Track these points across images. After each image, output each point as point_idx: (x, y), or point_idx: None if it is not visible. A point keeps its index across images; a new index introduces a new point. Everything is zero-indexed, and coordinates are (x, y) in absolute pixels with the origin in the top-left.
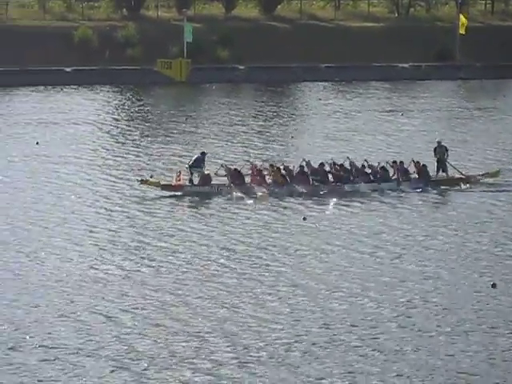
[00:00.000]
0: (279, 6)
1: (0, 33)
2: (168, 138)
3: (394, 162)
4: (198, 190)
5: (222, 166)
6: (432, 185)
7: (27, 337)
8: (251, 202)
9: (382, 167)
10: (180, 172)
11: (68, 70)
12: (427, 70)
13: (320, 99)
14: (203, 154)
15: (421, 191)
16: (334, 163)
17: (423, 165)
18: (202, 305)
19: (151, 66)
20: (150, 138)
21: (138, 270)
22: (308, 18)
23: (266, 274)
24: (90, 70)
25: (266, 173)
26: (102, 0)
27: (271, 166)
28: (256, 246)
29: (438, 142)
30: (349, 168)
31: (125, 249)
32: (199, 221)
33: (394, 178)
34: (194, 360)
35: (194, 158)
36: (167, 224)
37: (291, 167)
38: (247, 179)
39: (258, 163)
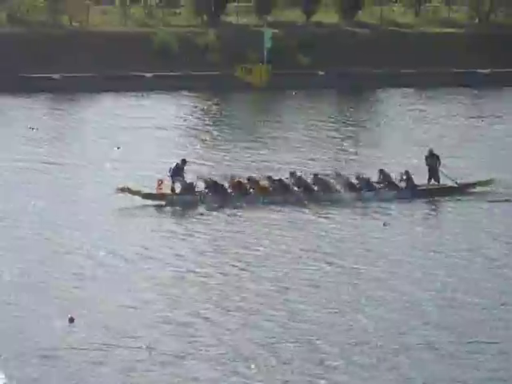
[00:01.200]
0: (360, 12)
1: (81, 39)
2: (248, 144)
3: (381, 170)
4: (181, 199)
5: (198, 177)
6: (421, 194)
7: (134, 339)
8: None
9: (366, 178)
10: (161, 181)
11: (148, 75)
12: (508, 76)
13: (400, 105)
14: (183, 161)
15: (407, 200)
16: (315, 174)
17: (407, 172)
18: (303, 308)
19: (231, 72)
20: (230, 143)
21: (237, 275)
22: (388, 24)
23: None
24: (170, 75)
25: (246, 185)
26: (183, 6)
27: (248, 179)
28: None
29: (430, 151)
30: (331, 180)
31: (224, 253)
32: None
33: (378, 187)
34: (300, 363)
35: (173, 167)
36: (254, 229)
37: (274, 178)
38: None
39: (238, 175)
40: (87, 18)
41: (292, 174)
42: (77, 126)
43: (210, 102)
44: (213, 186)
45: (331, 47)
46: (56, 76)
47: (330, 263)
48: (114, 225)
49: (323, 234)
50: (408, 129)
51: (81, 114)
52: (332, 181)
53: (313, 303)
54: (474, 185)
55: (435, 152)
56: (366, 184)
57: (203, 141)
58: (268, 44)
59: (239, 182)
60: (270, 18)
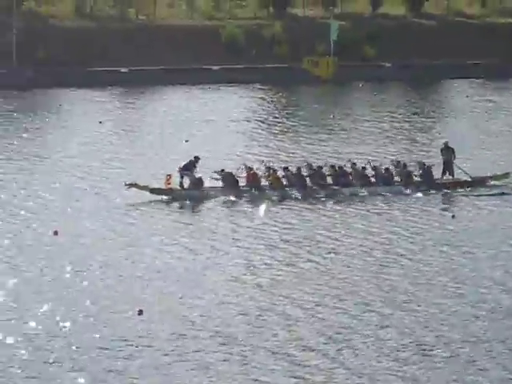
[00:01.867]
0: (426, 3)
1: (148, 32)
2: (316, 135)
3: (398, 162)
4: (189, 193)
5: (215, 171)
6: (436, 187)
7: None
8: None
9: (386, 169)
10: (170, 175)
11: (215, 68)
12: None
13: (468, 96)
14: (196, 158)
15: (423, 194)
16: (333, 166)
17: (428, 166)
18: (402, 299)
19: (298, 64)
20: (299, 135)
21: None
22: (455, 15)
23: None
24: (236, 68)
25: (261, 175)
26: None
27: (267, 168)
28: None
29: (445, 144)
30: (349, 171)
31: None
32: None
33: (395, 180)
34: (417, 358)
35: (185, 162)
36: (332, 222)
37: (290, 169)
38: (241, 182)
39: (255, 166)
40: (154, 11)
41: (309, 164)
42: (145, 119)
43: (276, 95)
44: (227, 179)
45: (397, 39)
46: (123, 69)
47: (413, 253)
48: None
49: (392, 225)
50: (477, 119)
51: (148, 107)
52: (350, 172)
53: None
54: (489, 178)
55: (450, 145)
56: (382, 178)
57: (271, 133)
58: (334, 36)
59: (254, 174)
60: (336, 10)
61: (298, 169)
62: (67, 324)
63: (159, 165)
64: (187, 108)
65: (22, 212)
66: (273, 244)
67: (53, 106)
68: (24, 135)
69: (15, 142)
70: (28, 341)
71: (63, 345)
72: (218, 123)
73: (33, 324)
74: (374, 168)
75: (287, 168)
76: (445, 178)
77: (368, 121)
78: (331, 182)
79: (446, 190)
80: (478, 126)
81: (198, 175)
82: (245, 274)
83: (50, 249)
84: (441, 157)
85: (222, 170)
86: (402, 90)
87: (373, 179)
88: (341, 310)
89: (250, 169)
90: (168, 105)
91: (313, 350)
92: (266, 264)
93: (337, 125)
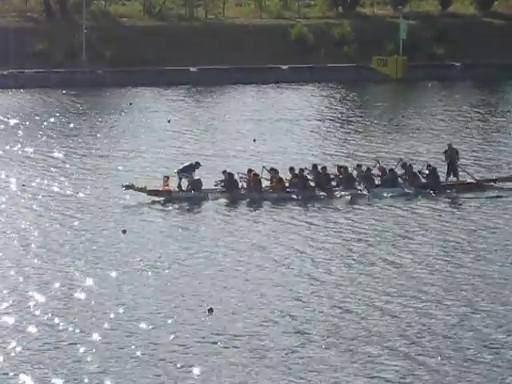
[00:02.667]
0: (496, 3)
1: (217, 31)
2: (389, 135)
3: (404, 163)
4: (187, 195)
5: (223, 172)
6: (441, 189)
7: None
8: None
9: (391, 169)
10: (168, 177)
11: (284, 67)
12: None
13: None
14: (197, 163)
15: (429, 196)
16: (340, 167)
17: (433, 168)
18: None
19: (367, 64)
20: (369, 135)
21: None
22: None
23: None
24: (305, 67)
25: (262, 178)
26: None
27: (272, 169)
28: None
29: (449, 145)
30: (352, 173)
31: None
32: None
33: (400, 182)
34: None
35: (185, 164)
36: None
37: (294, 172)
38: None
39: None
40: (223, 10)
41: (314, 166)
42: (213, 118)
43: (345, 94)
44: (227, 182)
45: (466, 38)
46: (192, 69)
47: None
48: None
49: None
50: None
51: (217, 106)
52: (354, 173)
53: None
54: (494, 180)
55: (454, 146)
56: (388, 180)
57: (341, 132)
58: (403, 35)
59: (255, 175)
60: (405, 9)
61: (301, 170)
62: (142, 322)
63: (226, 164)
64: (256, 107)
65: (93, 210)
66: (330, 242)
67: (123, 104)
68: (96, 134)
69: (87, 141)
70: (104, 337)
71: (139, 342)
72: (287, 122)
73: (109, 321)
74: (381, 169)
75: (293, 169)
76: (449, 179)
77: (440, 120)
78: (336, 183)
79: (452, 192)
80: None
81: (196, 177)
82: (319, 272)
83: (119, 247)
84: (444, 158)
85: (224, 171)
86: (471, 90)
87: (377, 181)
88: (413, 308)
89: (251, 171)
90: (237, 104)
91: (390, 349)
92: (330, 262)
93: (407, 124)
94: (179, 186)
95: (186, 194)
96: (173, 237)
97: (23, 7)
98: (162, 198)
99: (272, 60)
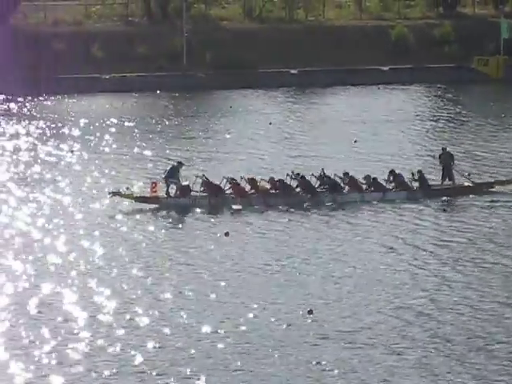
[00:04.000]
0: None
1: (317, 33)
2: (495, 134)
3: (391, 171)
4: (175, 202)
5: (197, 176)
6: (434, 194)
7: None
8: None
9: (374, 178)
10: (155, 183)
11: (385, 68)
12: None
13: None
14: (180, 163)
15: (419, 201)
16: (322, 176)
17: (422, 173)
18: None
19: (468, 64)
20: (473, 134)
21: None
22: None
23: None
24: (405, 68)
25: (245, 185)
26: None
27: (251, 179)
28: None
29: (443, 149)
30: (336, 179)
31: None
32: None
33: (388, 188)
34: None
35: (168, 169)
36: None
37: (276, 179)
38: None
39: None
40: (323, 12)
41: (298, 174)
42: (314, 119)
43: (446, 95)
44: (210, 187)
45: None
46: (293, 71)
47: None
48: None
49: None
50: None
51: (318, 107)
52: (338, 181)
53: None
54: (491, 184)
55: (449, 150)
56: (373, 184)
57: (445, 132)
58: (505, 35)
59: (237, 184)
60: (506, 9)
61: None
62: (246, 321)
63: (322, 164)
64: (357, 108)
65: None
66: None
67: (224, 107)
68: (199, 137)
69: (192, 144)
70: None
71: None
72: (388, 123)
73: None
74: (367, 178)
75: (273, 178)
76: (445, 183)
77: None
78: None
79: (446, 197)
80: None
81: (184, 183)
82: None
83: (223, 249)
84: (439, 162)
85: (203, 176)
86: None
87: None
88: None
89: (233, 179)
90: (337, 105)
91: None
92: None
93: (501, 125)
94: (167, 192)
95: (174, 200)
96: (274, 239)
97: (124, 12)
98: (151, 205)
99: (372, 61)
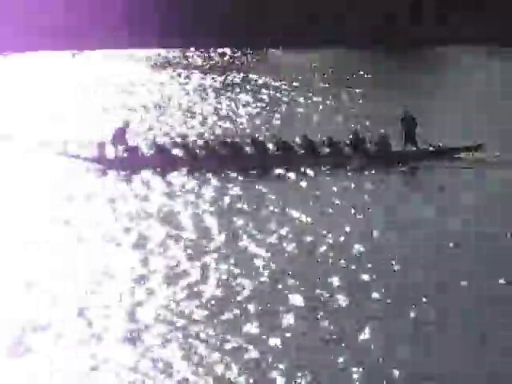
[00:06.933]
0: None
1: None
2: None
3: (354, 132)
4: (124, 161)
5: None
6: (397, 160)
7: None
8: None
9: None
10: (103, 144)
11: None
12: None
13: None
14: (126, 124)
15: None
16: (280, 141)
17: (384, 136)
18: None
19: None
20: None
21: None
22: None
23: None
24: None
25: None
26: None
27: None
28: None
29: (405, 112)
30: (293, 145)
31: None
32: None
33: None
34: None
35: (114, 129)
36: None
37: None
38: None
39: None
40: None
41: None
42: None
43: None
44: (159, 149)
45: None
46: None
47: None
48: None
49: None
50: None
51: None
52: (293, 145)
53: None
54: (458, 150)
55: (411, 113)
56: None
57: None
58: None
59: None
60: None
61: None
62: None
63: None
64: None
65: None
66: None
67: None
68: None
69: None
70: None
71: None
72: None
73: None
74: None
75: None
76: (407, 149)
77: None
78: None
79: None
80: None
81: (133, 144)
82: None
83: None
84: (400, 127)
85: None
86: None
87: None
88: None
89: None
90: None
91: None
92: None
93: None
94: (115, 153)
95: (122, 160)
96: None
97: None
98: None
99: None
